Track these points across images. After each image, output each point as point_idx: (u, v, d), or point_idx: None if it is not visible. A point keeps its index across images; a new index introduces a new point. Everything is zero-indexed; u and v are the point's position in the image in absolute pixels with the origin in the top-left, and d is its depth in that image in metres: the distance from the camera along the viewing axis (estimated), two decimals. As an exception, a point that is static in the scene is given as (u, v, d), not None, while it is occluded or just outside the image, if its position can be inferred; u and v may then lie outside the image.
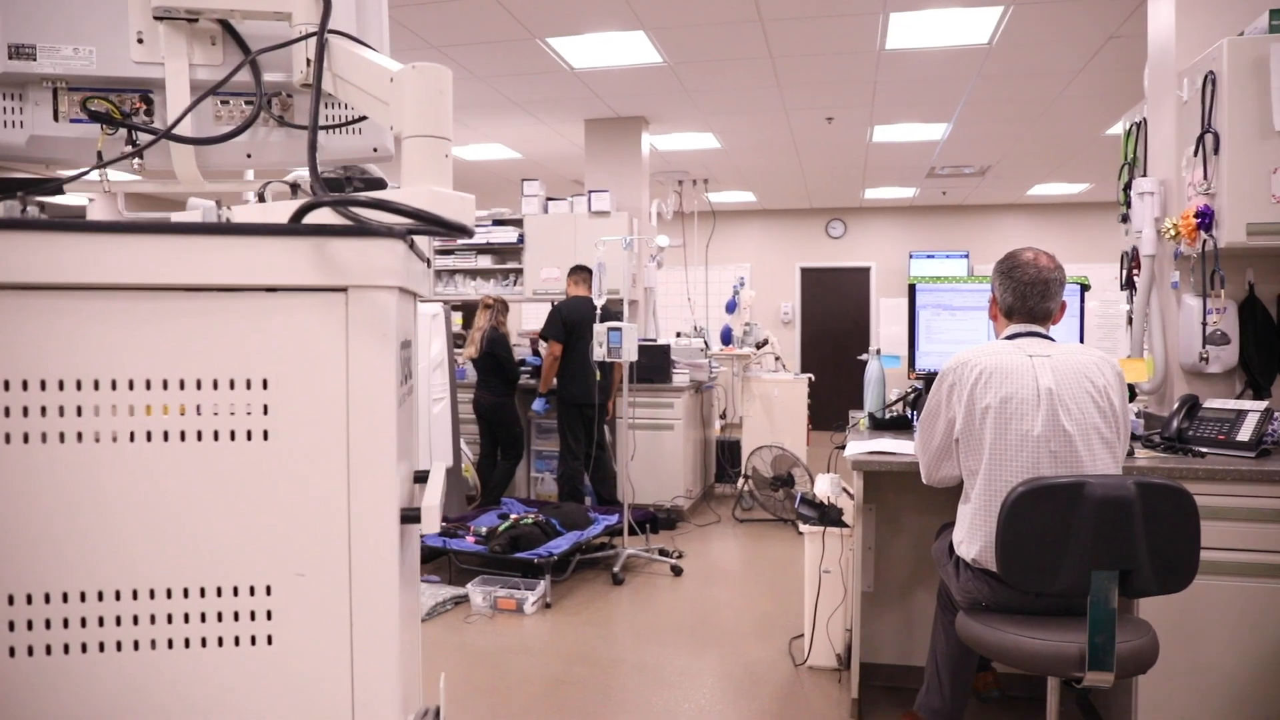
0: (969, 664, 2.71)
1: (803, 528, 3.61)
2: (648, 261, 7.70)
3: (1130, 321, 3.60)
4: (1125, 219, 3.73)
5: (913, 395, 3.60)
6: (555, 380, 6.32)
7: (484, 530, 5.15)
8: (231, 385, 0.97)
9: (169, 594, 0.96)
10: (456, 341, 6.96)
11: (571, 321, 6.20)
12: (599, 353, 5.27)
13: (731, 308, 7.76)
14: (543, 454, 7.14)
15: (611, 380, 6.33)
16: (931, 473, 2.57)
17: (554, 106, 7.31)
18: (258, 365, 0.97)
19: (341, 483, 0.99)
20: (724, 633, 4.25)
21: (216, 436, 0.97)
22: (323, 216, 1.05)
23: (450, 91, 1.17)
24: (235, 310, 0.97)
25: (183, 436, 0.96)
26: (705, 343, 7.44)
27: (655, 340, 7.12)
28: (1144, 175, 3.60)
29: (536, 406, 6.72)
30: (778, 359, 7.83)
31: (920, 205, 12.18)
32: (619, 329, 5.23)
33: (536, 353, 7.07)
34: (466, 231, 1.07)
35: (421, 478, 1.31)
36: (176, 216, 1.36)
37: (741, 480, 6.73)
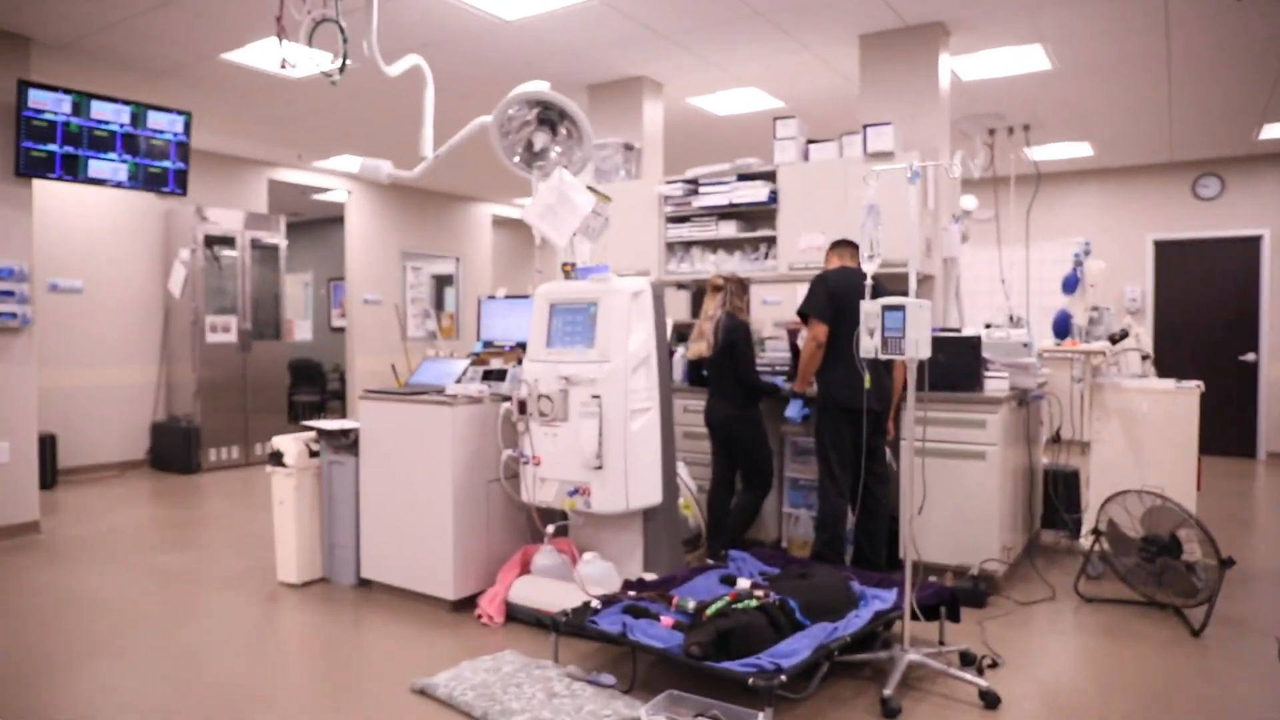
0: None
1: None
2: (949, 224, 5.63)
3: None
4: None
5: None
6: (816, 377, 4.56)
7: (690, 605, 3.46)
8: None
9: None
10: (680, 334, 5.34)
11: (840, 294, 4.38)
12: (868, 345, 3.40)
13: (1071, 285, 5.51)
14: (799, 484, 5.32)
15: (892, 381, 4.43)
16: None
17: (817, 18, 5.45)
18: None
19: None
20: None
21: None
22: None
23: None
24: None
25: None
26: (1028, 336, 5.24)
27: (959, 331, 5.05)
28: None
29: (790, 413, 4.89)
30: (1146, 358, 5.43)
31: (1346, 145, 8.81)
32: (900, 308, 3.34)
33: (795, 347, 5.23)
34: None
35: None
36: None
37: (1091, 538, 4.52)
